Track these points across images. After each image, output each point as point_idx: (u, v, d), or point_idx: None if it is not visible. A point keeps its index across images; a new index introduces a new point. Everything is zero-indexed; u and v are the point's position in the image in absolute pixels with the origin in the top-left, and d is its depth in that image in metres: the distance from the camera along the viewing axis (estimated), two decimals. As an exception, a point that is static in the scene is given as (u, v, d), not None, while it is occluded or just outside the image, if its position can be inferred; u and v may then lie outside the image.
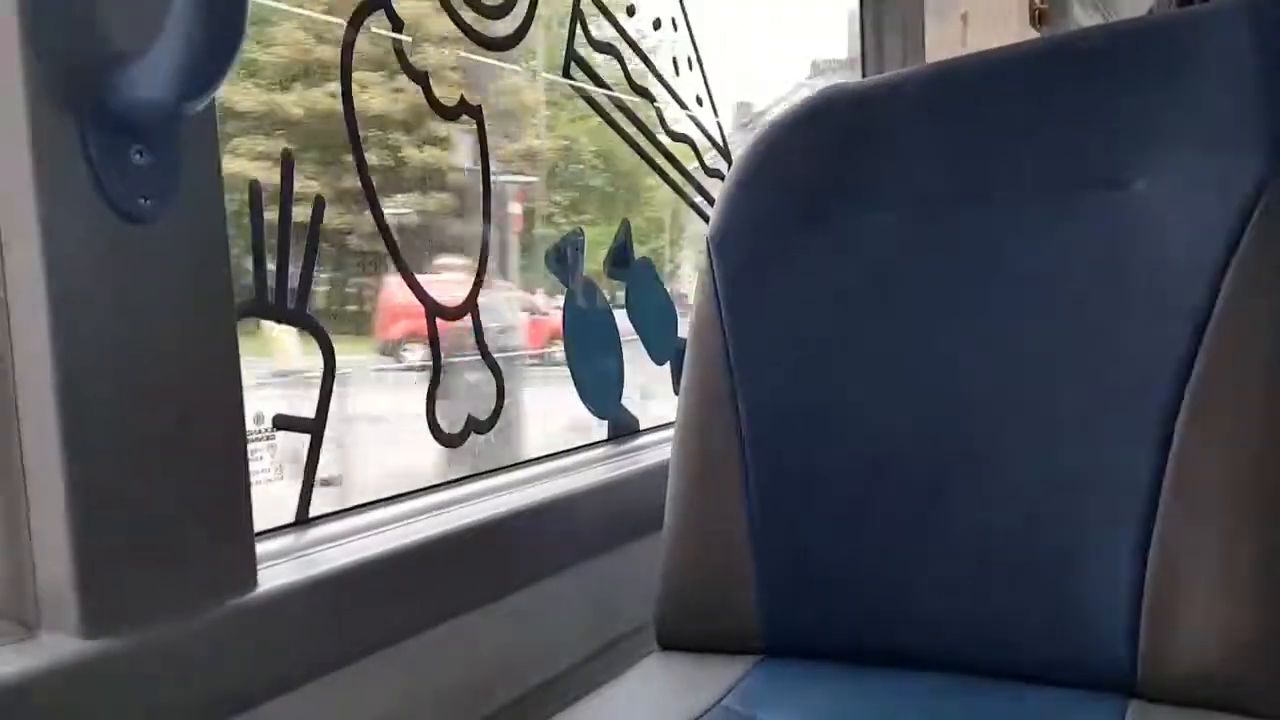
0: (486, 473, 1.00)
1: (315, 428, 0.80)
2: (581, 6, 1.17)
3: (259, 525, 0.68)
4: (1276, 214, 0.79)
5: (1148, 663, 0.79)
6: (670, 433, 1.02)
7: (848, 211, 0.96)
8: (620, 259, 1.26)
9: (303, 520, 0.80)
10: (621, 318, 1.25)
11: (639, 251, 1.28)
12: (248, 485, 0.67)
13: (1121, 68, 0.89)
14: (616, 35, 1.24)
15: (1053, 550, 0.83)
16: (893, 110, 0.98)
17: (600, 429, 1.21)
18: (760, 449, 0.94)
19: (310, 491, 0.80)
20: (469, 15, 0.99)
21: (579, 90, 1.18)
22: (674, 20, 1.34)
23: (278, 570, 0.70)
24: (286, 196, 0.78)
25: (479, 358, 1.00)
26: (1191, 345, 0.79)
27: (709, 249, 1.00)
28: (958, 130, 0.93)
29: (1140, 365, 0.81)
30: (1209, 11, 0.95)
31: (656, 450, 1.19)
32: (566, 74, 1.16)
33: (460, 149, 1.07)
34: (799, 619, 0.93)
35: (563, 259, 1.18)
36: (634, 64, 1.28)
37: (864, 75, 1.77)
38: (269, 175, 0.78)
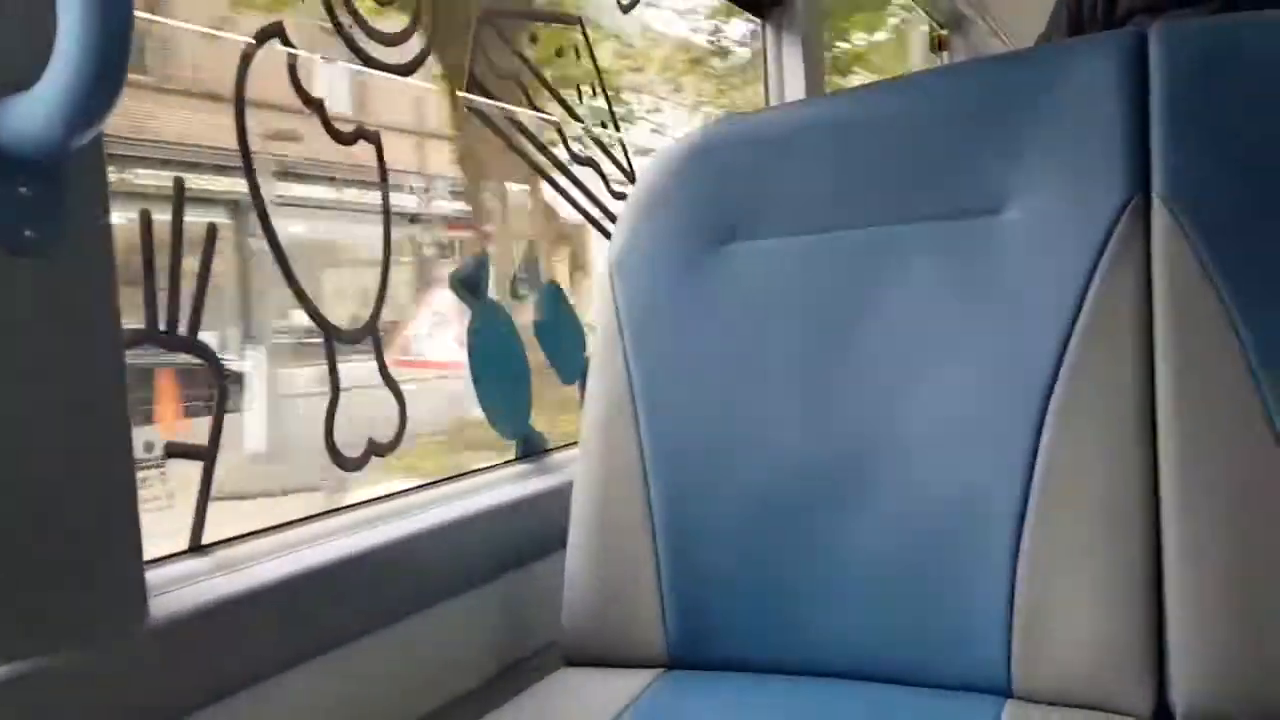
0: (394, 494, 1.01)
1: (208, 454, 0.80)
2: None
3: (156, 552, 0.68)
4: (1134, 234, 0.84)
5: (1021, 665, 0.83)
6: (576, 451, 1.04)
7: (741, 237, 0.99)
8: (527, 280, 1.28)
9: (196, 547, 0.80)
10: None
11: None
12: (136, 514, 0.67)
13: (998, 99, 0.94)
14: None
15: (932, 564, 0.87)
16: (784, 141, 1.02)
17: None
18: (661, 467, 0.97)
19: (204, 517, 0.80)
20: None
21: (474, 110, 1.19)
22: (575, 49, 1.37)
23: (169, 598, 0.70)
24: (177, 224, 0.79)
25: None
26: (1055, 362, 0.84)
27: (610, 271, 1.03)
28: (844, 161, 0.97)
29: (1009, 383, 0.86)
30: (1081, 44, 1.01)
31: (566, 470, 1.20)
32: (467, 91, 1.18)
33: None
34: (701, 631, 0.95)
35: (468, 281, 1.20)
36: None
37: (766, 101, 1.82)
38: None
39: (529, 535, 1.05)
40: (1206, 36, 0.89)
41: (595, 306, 1.03)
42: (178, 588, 0.72)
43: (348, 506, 0.95)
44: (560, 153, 1.34)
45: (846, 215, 0.96)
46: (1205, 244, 0.82)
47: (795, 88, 1.82)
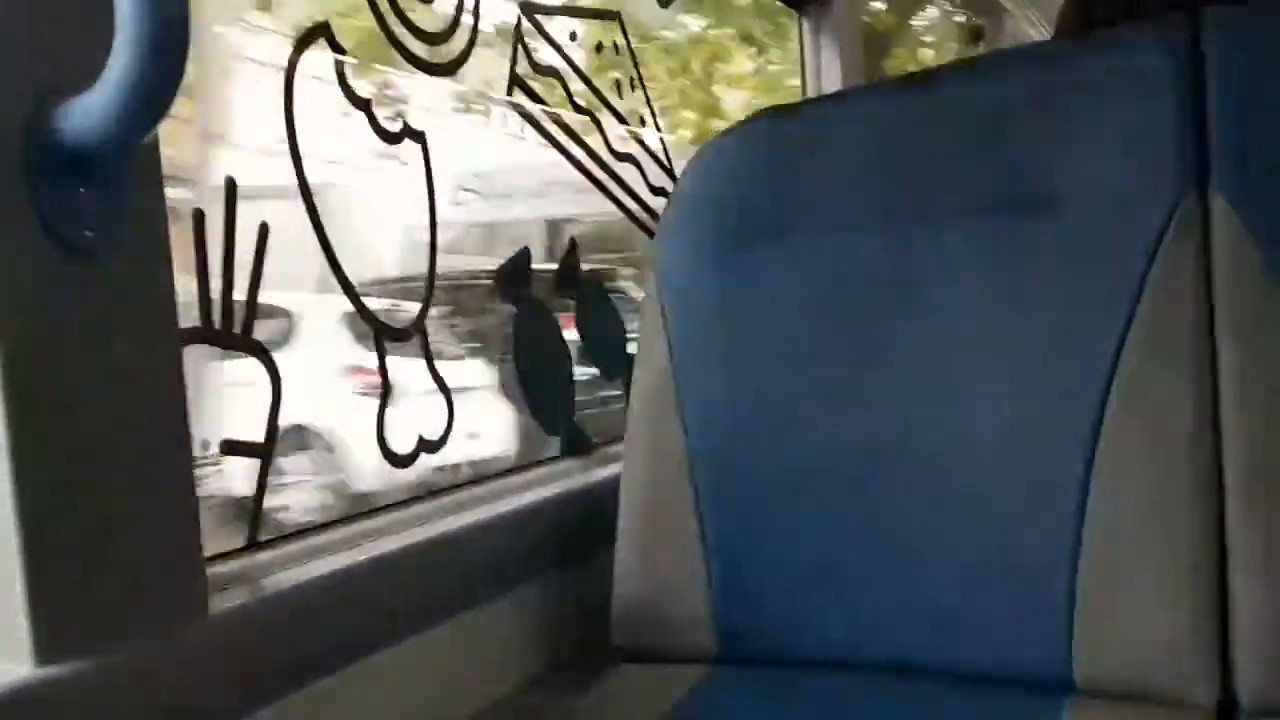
0: (442, 490, 1.02)
1: (264, 452, 0.81)
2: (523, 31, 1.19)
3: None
4: (1189, 230, 0.82)
5: (1083, 658, 0.82)
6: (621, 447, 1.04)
7: (785, 230, 0.98)
8: (567, 279, 1.28)
9: (254, 544, 0.80)
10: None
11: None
12: (196, 511, 0.67)
13: (1043, 90, 0.93)
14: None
15: (991, 556, 0.86)
16: (824, 135, 1.01)
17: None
18: (708, 462, 0.97)
19: (259, 515, 0.80)
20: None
21: (519, 110, 1.20)
22: (615, 43, 1.37)
23: (228, 594, 0.71)
24: (230, 225, 0.79)
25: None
26: (1113, 359, 0.82)
27: (653, 267, 1.03)
28: (885, 155, 0.96)
29: (1066, 378, 0.85)
30: (1130, 30, 0.99)
31: (611, 466, 1.20)
32: (509, 94, 1.18)
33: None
34: (752, 626, 0.95)
35: (513, 277, 1.20)
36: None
37: (804, 94, 1.81)
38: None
39: (577, 531, 1.05)
40: (1260, 18, 0.87)
41: (641, 302, 1.03)
42: (237, 584, 0.73)
43: (394, 504, 0.96)
44: (600, 149, 1.34)
45: (889, 209, 0.95)
46: (1265, 239, 0.80)
47: (832, 80, 1.81)
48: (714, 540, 0.95)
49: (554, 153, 1.25)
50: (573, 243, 1.28)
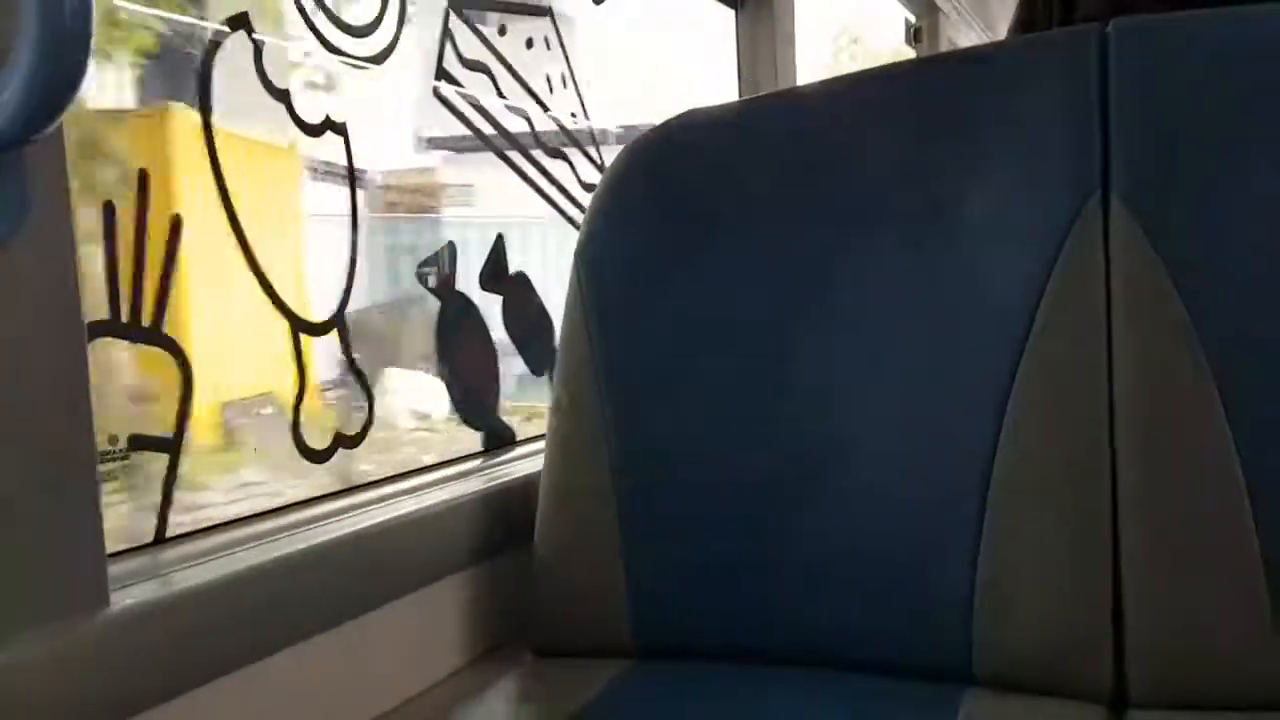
0: (358, 487, 1.01)
1: (173, 446, 0.80)
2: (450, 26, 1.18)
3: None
4: (1093, 232, 0.85)
5: (983, 651, 0.84)
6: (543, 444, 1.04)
7: (708, 229, 1.00)
8: (495, 272, 1.28)
9: (160, 540, 0.80)
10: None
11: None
12: (98, 505, 0.67)
13: (960, 95, 0.95)
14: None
15: (896, 552, 0.88)
16: (750, 134, 1.02)
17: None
18: (629, 459, 0.97)
19: (168, 510, 0.80)
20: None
21: (445, 103, 1.19)
22: (546, 39, 1.37)
23: (131, 591, 0.70)
24: (142, 216, 0.78)
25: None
26: (1014, 357, 0.85)
27: (578, 263, 1.03)
28: (809, 155, 0.98)
29: (971, 374, 0.87)
30: (1043, 40, 1.02)
31: (531, 461, 1.21)
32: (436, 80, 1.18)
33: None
34: (669, 621, 0.96)
35: (436, 271, 1.19)
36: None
37: (739, 93, 1.82)
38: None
39: (496, 526, 1.05)
40: (1166, 32, 0.90)
41: (565, 298, 1.04)
42: (141, 580, 0.72)
43: (310, 500, 0.95)
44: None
45: (811, 209, 0.96)
46: (1163, 242, 0.83)
47: (767, 79, 1.82)
48: (632, 537, 0.96)
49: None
50: (499, 238, 1.28)
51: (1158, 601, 0.82)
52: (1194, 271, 0.82)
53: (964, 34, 3.31)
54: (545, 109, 1.36)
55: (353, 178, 1.01)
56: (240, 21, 0.88)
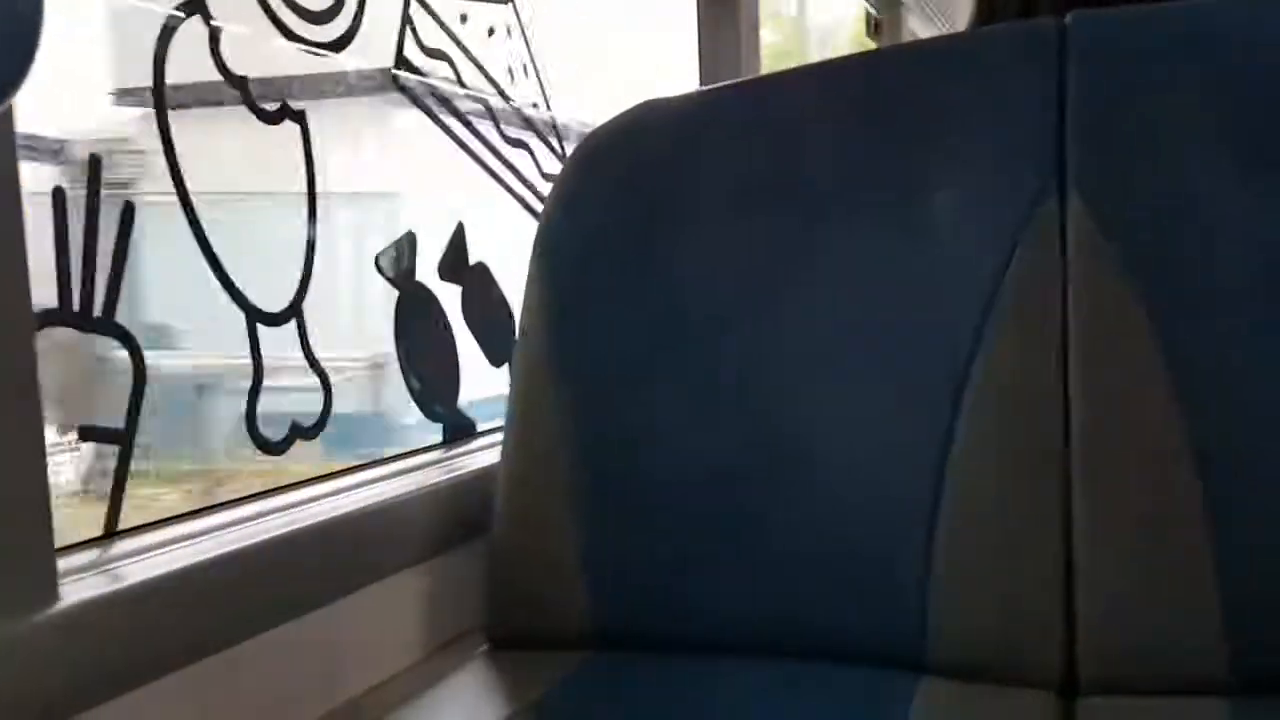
0: (313, 479, 1.00)
1: (124, 438, 0.79)
2: (411, 12, 1.17)
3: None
4: (1050, 227, 0.86)
5: (935, 639, 0.85)
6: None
7: (668, 219, 1.00)
8: (455, 263, 1.27)
9: (111, 533, 0.78)
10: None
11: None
12: (47, 498, 0.65)
13: (917, 88, 0.96)
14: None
15: (851, 540, 0.89)
16: (711, 124, 1.02)
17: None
18: (587, 450, 0.97)
19: (120, 503, 0.78)
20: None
21: (405, 92, 1.18)
22: (508, 28, 1.36)
23: (81, 584, 0.69)
24: (93, 202, 0.77)
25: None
26: (970, 350, 0.86)
27: (536, 254, 1.03)
28: (769, 146, 0.98)
29: (927, 365, 0.88)
30: (1000, 32, 1.02)
31: (489, 453, 1.20)
32: (394, 76, 1.17)
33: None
34: (627, 612, 0.96)
35: (394, 262, 1.18)
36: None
37: (700, 81, 1.82)
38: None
39: (454, 518, 1.05)
40: (1122, 25, 0.90)
41: (524, 289, 1.03)
42: (92, 574, 0.71)
43: (265, 492, 0.94)
44: (491, 134, 1.33)
45: (770, 200, 0.97)
46: (1119, 238, 0.84)
47: (729, 69, 1.82)
48: (589, 528, 0.96)
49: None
50: (460, 227, 1.27)
51: (1108, 591, 0.83)
52: (1151, 266, 0.83)
53: (924, 27, 3.33)
54: (504, 95, 1.35)
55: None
56: None
